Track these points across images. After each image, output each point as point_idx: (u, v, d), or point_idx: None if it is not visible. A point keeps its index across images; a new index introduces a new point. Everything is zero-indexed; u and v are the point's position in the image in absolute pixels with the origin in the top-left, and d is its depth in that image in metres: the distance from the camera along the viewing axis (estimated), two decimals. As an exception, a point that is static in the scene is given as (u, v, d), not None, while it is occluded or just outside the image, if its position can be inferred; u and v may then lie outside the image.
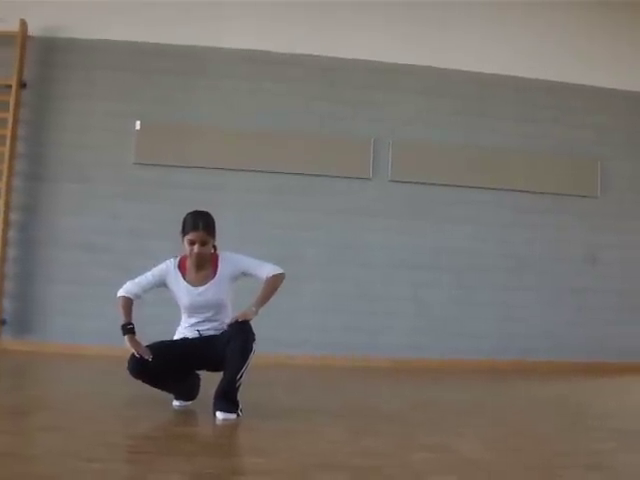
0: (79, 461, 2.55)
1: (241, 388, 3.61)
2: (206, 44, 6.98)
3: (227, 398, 3.59)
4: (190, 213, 3.82)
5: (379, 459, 2.84)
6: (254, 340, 3.62)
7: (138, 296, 3.80)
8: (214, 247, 3.85)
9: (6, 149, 6.57)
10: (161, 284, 3.84)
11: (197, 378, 4.01)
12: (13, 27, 6.64)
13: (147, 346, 3.68)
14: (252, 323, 3.69)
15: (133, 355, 3.63)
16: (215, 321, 3.85)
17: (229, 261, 3.83)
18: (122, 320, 3.69)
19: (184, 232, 3.75)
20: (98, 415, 3.61)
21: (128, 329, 3.67)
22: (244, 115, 6.99)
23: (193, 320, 3.88)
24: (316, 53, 7.12)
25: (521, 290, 7.25)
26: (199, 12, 6.96)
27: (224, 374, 3.63)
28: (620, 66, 7.57)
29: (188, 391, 3.95)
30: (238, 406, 3.60)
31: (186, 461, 2.67)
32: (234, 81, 7.04)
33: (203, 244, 3.72)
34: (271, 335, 6.28)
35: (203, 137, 6.94)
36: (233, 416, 3.55)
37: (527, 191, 7.33)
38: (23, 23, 6.70)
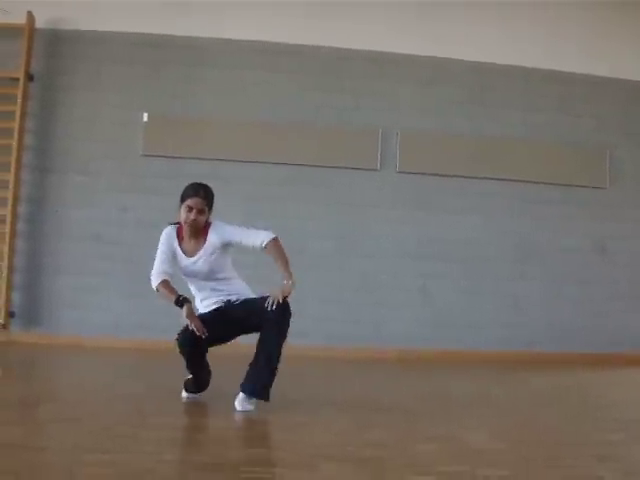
0: (88, 452, 2.57)
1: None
2: (214, 35, 6.98)
3: (264, 375, 3.59)
4: (191, 183, 3.88)
5: (385, 450, 2.84)
6: (290, 315, 3.66)
7: (169, 273, 3.79)
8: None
9: (14, 141, 6.59)
10: (174, 253, 3.83)
11: (209, 373, 4.01)
12: (20, 20, 6.64)
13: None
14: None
15: (187, 328, 3.60)
16: (225, 291, 3.85)
17: (217, 230, 3.82)
18: (172, 298, 3.64)
19: (183, 199, 3.79)
20: (107, 406, 3.62)
21: (182, 300, 3.62)
22: (252, 106, 6.99)
23: (201, 297, 3.90)
24: (323, 44, 7.11)
25: (528, 281, 7.25)
26: (206, 3, 6.95)
27: (261, 352, 3.62)
28: (628, 55, 7.53)
29: (202, 383, 3.95)
30: (268, 390, 3.59)
31: (195, 452, 2.69)
32: (242, 72, 7.04)
33: (200, 212, 3.74)
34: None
35: (211, 128, 6.95)
36: (251, 407, 3.56)
37: (535, 181, 7.31)
38: (30, 15, 6.71)
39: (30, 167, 6.79)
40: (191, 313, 3.61)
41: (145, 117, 6.85)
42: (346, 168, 7.07)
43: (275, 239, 3.81)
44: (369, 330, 6.91)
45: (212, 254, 3.80)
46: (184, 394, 3.94)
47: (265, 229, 3.87)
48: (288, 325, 3.65)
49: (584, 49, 7.44)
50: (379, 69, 7.22)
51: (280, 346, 3.62)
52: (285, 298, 3.62)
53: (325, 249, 6.98)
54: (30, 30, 6.72)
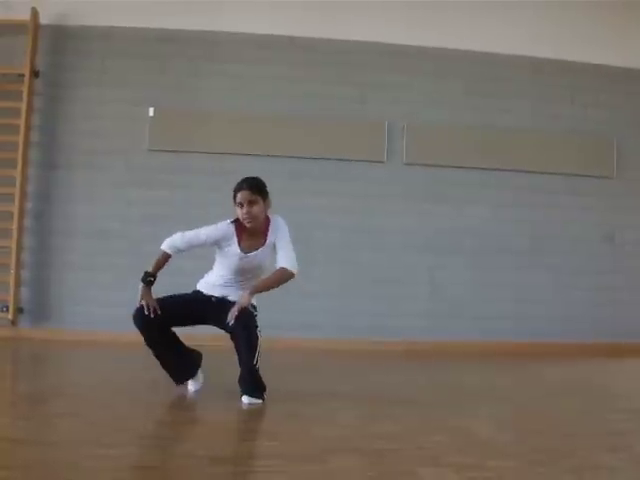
0: (97, 447, 2.57)
1: (261, 371, 3.64)
2: (219, 29, 6.95)
3: (252, 383, 3.63)
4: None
5: (395, 442, 2.84)
6: (256, 327, 3.67)
7: (181, 251, 3.84)
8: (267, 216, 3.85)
9: (20, 138, 6.58)
10: (212, 245, 3.85)
11: (196, 353, 4.01)
12: (24, 15, 6.63)
13: (156, 299, 3.73)
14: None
15: (141, 306, 3.70)
16: (242, 288, 3.84)
17: (276, 229, 3.85)
18: (150, 269, 3.77)
19: (234, 198, 3.78)
20: (115, 401, 3.63)
21: (147, 280, 3.74)
22: (257, 100, 6.97)
23: (231, 279, 3.89)
24: (329, 37, 7.07)
25: (537, 271, 7.22)
26: (210, -3, 6.94)
27: (240, 364, 3.66)
28: (635, 45, 7.48)
29: (185, 366, 3.95)
30: (264, 390, 3.65)
31: (202, 446, 2.68)
32: (247, 66, 7.01)
33: (251, 204, 3.73)
34: (284, 319, 6.32)
35: (216, 122, 6.93)
36: (259, 401, 3.59)
37: (543, 172, 7.27)
38: (34, 11, 6.69)
39: (36, 163, 6.78)
40: (145, 291, 3.73)
41: (151, 112, 6.84)
42: (353, 161, 7.04)
43: (285, 270, 3.76)
44: (378, 323, 6.89)
45: (268, 251, 3.85)
46: (190, 387, 3.94)
47: (297, 258, 3.84)
48: (254, 335, 3.65)
49: (593, 39, 7.38)
50: (385, 61, 7.19)
51: (254, 358, 3.62)
52: (245, 309, 3.63)
53: (332, 242, 6.96)
54: (35, 26, 6.71)
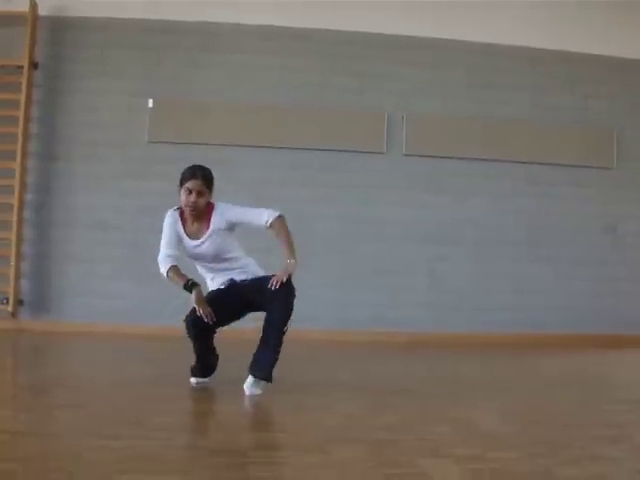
0: (98, 438, 2.57)
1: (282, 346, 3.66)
2: (218, 20, 6.92)
3: (266, 358, 3.61)
4: (189, 166, 3.85)
5: (397, 433, 2.84)
6: (294, 297, 3.69)
7: (176, 256, 3.81)
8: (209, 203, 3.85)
9: (19, 130, 6.57)
10: (178, 236, 3.84)
11: (216, 357, 4.01)
12: (23, 7, 6.60)
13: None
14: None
15: (194, 310, 3.62)
16: (234, 269, 3.87)
17: (221, 212, 3.82)
18: (181, 283, 3.66)
19: (182, 182, 3.78)
20: (116, 393, 3.63)
21: (191, 285, 3.62)
22: (257, 91, 6.95)
23: (211, 276, 3.92)
24: (328, 27, 7.05)
25: (537, 263, 7.22)
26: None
27: (267, 328, 3.65)
28: (635, 35, 7.46)
29: (208, 367, 3.96)
30: (269, 373, 3.61)
31: (205, 437, 2.69)
32: (247, 57, 6.99)
33: (199, 195, 3.74)
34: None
35: (216, 114, 6.92)
36: (259, 391, 3.59)
37: (543, 163, 7.27)
38: (33, 3, 6.67)
39: (35, 155, 6.77)
40: (200, 299, 3.61)
41: (150, 103, 6.82)
42: (352, 152, 7.03)
43: (280, 217, 3.81)
44: (378, 314, 6.90)
45: (217, 236, 3.81)
46: (193, 380, 3.94)
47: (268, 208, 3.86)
48: (292, 306, 3.67)
49: (593, 30, 7.36)
50: (385, 52, 7.17)
51: (283, 328, 3.64)
52: (288, 278, 3.62)
53: (332, 233, 6.96)
54: (33, 17, 6.69)
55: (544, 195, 7.26)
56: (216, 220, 3.81)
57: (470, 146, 7.18)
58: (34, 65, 6.71)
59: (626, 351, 6.68)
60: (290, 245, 3.74)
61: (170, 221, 3.86)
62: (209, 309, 3.59)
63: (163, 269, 3.75)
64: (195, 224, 3.84)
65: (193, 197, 3.73)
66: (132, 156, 6.82)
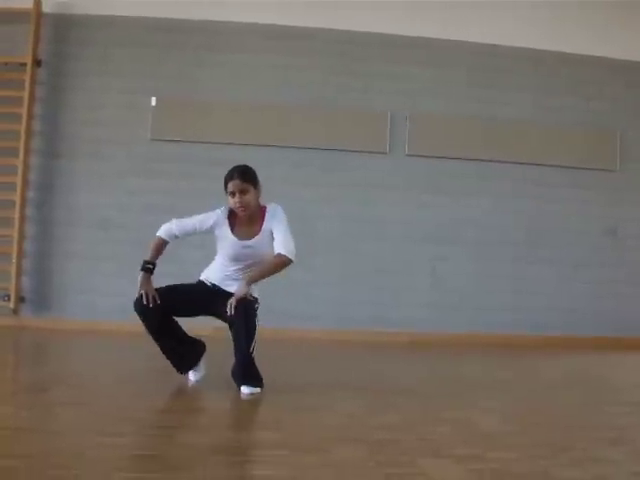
0: (99, 436, 2.57)
1: (255, 361, 3.64)
2: (221, 19, 6.94)
3: (249, 372, 3.62)
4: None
5: (397, 433, 2.84)
6: (255, 316, 3.66)
7: (176, 237, 3.86)
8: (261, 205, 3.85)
9: (22, 127, 6.58)
10: (207, 232, 3.86)
11: (200, 343, 4.01)
12: (27, 4, 6.62)
13: (157, 289, 3.72)
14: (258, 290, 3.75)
15: (140, 295, 3.69)
16: (244, 275, 3.85)
17: (273, 217, 3.82)
18: (148, 257, 3.78)
19: (225, 188, 3.78)
20: (117, 390, 3.63)
21: (146, 267, 3.76)
22: (260, 90, 6.96)
23: (232, 267, 3.89)
24: (331, 27, 7.06)
25: (539, 264, 7.22)
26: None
27: (237, 353, 3.65)
28: (638, 37, 7.45)
29: (189, 355, 3.95)
30: (261, 379, 3.64)
31: (205, 435, 2.69)
32: (250, 56, 7.00)
33: (243, 192, 3.73)
34: (286, 309, 6.34)
35: (219, 112, 6.93)
36: (258, 390, 3.59)
37: (545, 164, 7.27)
38: (37, 0, 6.67)
39: (38, 152, 6.79)
40: (145, 280, 3.73)
41: (153, 101, 6.83)
42: (355, 151, 7.04)
43: (282, 258, 3.73)
44: (379, 313, 6.91)
45: (266, 239, 3.82)
46: (191, 377, 3.94)
47: (295, 246, 3.78)
48: (252, 324, 3.63)
49: (595, 31, 7.36)
50: (388, 52, 7.17)
51: (249, 347, 3.61)
52: (243, 299, 3.61)
53: (335, 232, 6.97)
54: (37, 15, 6.70)
55: (546, 196, 7.26)
56: (268, 223, 3.81)
57: (472, 147, 7.19)
58: (37, 62, 6.72)
59: (627, 353, 6.67)
60: (261, 276, 3.73)
61: (212, 220, 3.83)
62: (153, 292, 3.68)
63: (159, 233, 3.85)
64: (248, 226, 3.82)
65: (237, 197, 3.72)
66: (135, 154, 6.83)
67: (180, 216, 3.91)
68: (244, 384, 3.61)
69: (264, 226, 3.81)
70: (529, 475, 2.30)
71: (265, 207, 3.87)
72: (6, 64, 6.70)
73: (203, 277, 3.99)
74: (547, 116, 7.34)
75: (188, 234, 3.88)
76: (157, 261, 3.82)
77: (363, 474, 2.25)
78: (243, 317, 3.61)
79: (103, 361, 4.90)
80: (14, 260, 6.56)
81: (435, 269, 7.08)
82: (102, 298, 6.63)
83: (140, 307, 3.69)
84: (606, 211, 7.37)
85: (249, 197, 3.76)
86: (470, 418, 3.20)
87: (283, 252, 3.73)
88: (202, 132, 6.86)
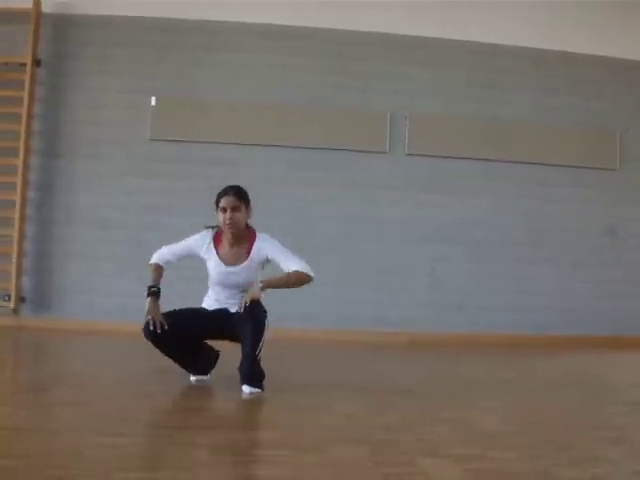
0: (99, 436, 2.57)
1: (261, 362, 3.64)
2: (221, 19, 6.94)
3: (252, 373, 3.61)
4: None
5: (397, 433, 2.84)
6: (265, 317, 3.67)
7: (170, 263, 3.90)
8: (250, 227, 3.85)
9: (22, 127, 6.58)
10: (192, 255, 3.88)
11: (214, 352, 4.02)
12: (26, 4, 6.61)
13: (164, 314, 3.71)
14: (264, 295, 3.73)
15: (148, 322, 3.68)
16: (237, 299, 3.84)
17: (263, 245, 3.81)
18: (151, 282, 3.79)
19: (217, 203, 3.78)
20: (116, 390, 3.63)
21: (152, 291, 3.75)
22: (259, 90, 6.96)
23: (221, 296, 3.90)
24: (331, 27, 7.05)
25: (538, 264, 7.22)
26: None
27: (243, 352, 3.66)
28: (638, 37, 7.45)
29: (202, 364, 3.96)
30: (263, 378, 3.63)
31: (205, 435, 2.69)
32: (249, 56, 7.00)
33: (235, 210, 3.72)
34: (285, 309, 6.27)
35: (219, 112, 6.93)
36: (258, 390, 3.59)
37: (545, 164, 7.27)
38: (36, 0, 6.67)
39: (38, 152, 6.78)
40: (153, 304, 3.72)
41: (153, 101, 6.83)
42: (355, 151, 7.04)
43: (305, 275, 3.74)
44: (379, 313, 6.90)
45: (254, 267, 3.81)
46: (192, 377, 3.94)
47: (306, 263, 3.79)
48: (262, 324, 3.65)
49: (595, 31, 7.36)
50: (388, 51, 7.17)
51: (257, 342, 3.61)
52: (254, 301, 3.62)
53: (334, 232, 6.96)
54: (37, 15, 6.69)
55: (546, 196, 7.26)
56: (257, 251, 3.80)
57: (472, 146, 7.19)
58: (37, 62, 6.72)
59: (627, 352, 6.68)
60: (279, 284, 3.74)
61: (197, 242, 3.86)
62: (160, 318, 3.66)
63: (153, 259, 3.89)
64: (234, 248, 3.82)
65: (229, 214, 3.72)
66: (134, 154, 6.83)
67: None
68: (246, 383, 3.61)
69: (252, 253, 3.80)
70: (528, 475, 2.30)
71: (254, 231, 3.85)
72: (6, 64, 6.70)
73: (204, 304, 3.98)
74: (547, 116, 7.34)
75: (181, 257, 3.91)
76: (160, 285, 3.81)
77: (362, 474, 2.25)
78: (252, 317, 3.62)
79: (103, 361, 4.90)
80: (14, 260, 6.56)
81: (435, 269, 7.07)
82: (102, 298, 6.63)
83: (149, 333, 3.69)
84: (606, 210, 7.37)
85: (240, 215, 3.75)
86: (469, 418, 3.20)
87: (300, 269, 3.73)
88: (201, 132, 6.86)
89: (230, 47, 6.99)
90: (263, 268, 3.88)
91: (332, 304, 6.84)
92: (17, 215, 6.57)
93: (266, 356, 3.69)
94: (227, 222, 3.72)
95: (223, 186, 3.84)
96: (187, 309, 3.88)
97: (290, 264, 3.75)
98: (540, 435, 2.90)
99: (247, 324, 3.62)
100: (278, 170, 6.90)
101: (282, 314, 6.21)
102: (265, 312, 3.69)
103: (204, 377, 3.97)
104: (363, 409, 3.35)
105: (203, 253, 3.84)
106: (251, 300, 3.61)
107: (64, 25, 6.89)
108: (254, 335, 3.61)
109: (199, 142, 6.82)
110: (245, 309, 3.60)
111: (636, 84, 7.52)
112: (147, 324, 3.69)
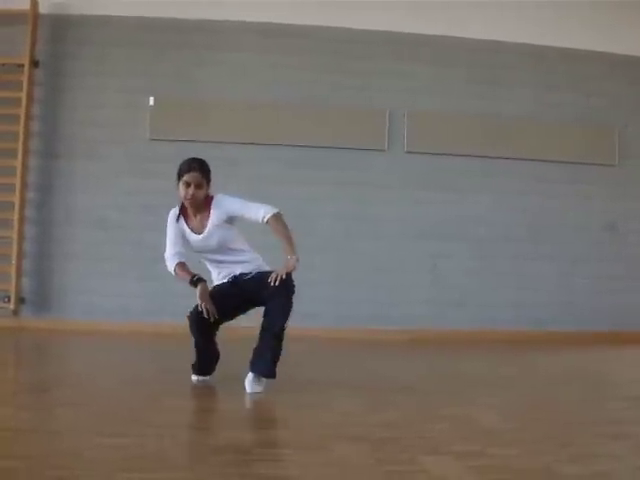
0: (100, 437, 2.57)
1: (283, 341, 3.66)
2: (218, 18, 6.92)
3: (264, 354, 3.61)
4: (186, 159, 3.86)
5: (398, 430, 2.84)
6: (293, 293, 3.68)
7: (182, 253, 3.85)
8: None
9: (20, 128, 6.57)
10: (184, 237, 3.87)
11: (217, 353, 4.01)
12: (24, 5, 6.60)
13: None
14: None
15: (197, 307, 3.66)
16: (239, 263, 3.88)
17: (220, 204, 3.82)
18: (187, 278, 3.72)
19: (179, 176, 3.78)
20: (117, 391, 3.64)
21: (197, 279, 3.70)
22: (258, 89, 6.95)
23: (217, 271, 3.93)
24: (330, 24, 7.04)
25: (539, 260, 7.21)
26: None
27: (265, 329, 3.64)
28: (638, 32, 7.44)
29: (207, 364, 3.96)
30: (269, 369, 3.60)
31: (206, 435, 2.69)
32: (247, 55, 6.99)
33: (198, 187, 3.74)
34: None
35: (218, 111, 6.92)
36: (259, 389, 3.59)
37: (544, 160, 7.26)
38: (34, 1, 6.67)
39: (37, 153, 6.77)
40: (203, 295, 3.65)
41: (151, 101, 6.82)
42: (354, 149, 7.03)
43: (276, 215, 3.79)
44: (379, 311, 6.90)
45: (219, 229, 3.81)
46: (194, 377, 3.95)
47: (267, 204, 3.85)
48: (291, 303, 3.67)
49: (595, 27, 7.34)
50: (387, 49, 7.15)
51: (283, 324, 3.64)
52: (289, 274, 3.62)
53: (334, 230, 6.96)
54: (34, 15, 6.68)
55: (546, 192, 7.25)
56: (216, 213, 3.81)
57: (472, 143, 7.17)
58: (35, 63, 6.71)
59: (628, 348, 6.67)
60: (289, 241, 3.73)
61: (172, 220, 3.88)
62: (213, 306, 3.63)
63: (170, 267, 3.82)
64: (197, 217, 3.84)
65: (192, 190, 3.74)
66: (133, 154, 6.82)
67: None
68: (252, 369, 3.60)
69: (212, 216, 3.80)
70: (530, 471, 2.30)
71: (212, 197, 3.85)
72: (3, 65, 6.68)
73: (216, 283, 3.98)
74: (547, 112, 7.32)
75: (182, 245, 3.86)
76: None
77: (364, 472, 2.25)
78: (284, 294, 3.63)
79: (103, 362, 4.89)
80: (14, 261, 6.55)
81: (436, 266, 7.07)
82: (102, 299, 6.62)
83: (201, 321, 3.67)
84: (606, 207, 7.35)
85: (201, 192, 3.77)
86: (470, 415, 3.20)
87: (268, 215, 3.76)
88: (200, 131, 6.84)
89: (229, 46, 6.98)
90: (232, 223, 3.87)
91: (331, 302, 6.82)
92: (16, 216, 6.56)
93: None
94: (188, 197, 3.75)
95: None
96: (214, 290, 3.84)
97: (256, 213, 3.78)
98: (541, 431, 2.91)
99: (278, 300, 3.62)
100: (277, 168, 6.89)
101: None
102: (294, 287, 3.69)
103: (206, 377, 3.97)
104: (364, 407, 3.36)
105: (182, 229, 3.86)
106: (287, 270, 3.61)
107: (62, 26, 6.88)
108: (282, 311, 3.63)
109: (198, 141, 6.80)
110: (280, 281, 3.59)
111: (636, 80, 7.51)
112: (196, 311, 3.67)
